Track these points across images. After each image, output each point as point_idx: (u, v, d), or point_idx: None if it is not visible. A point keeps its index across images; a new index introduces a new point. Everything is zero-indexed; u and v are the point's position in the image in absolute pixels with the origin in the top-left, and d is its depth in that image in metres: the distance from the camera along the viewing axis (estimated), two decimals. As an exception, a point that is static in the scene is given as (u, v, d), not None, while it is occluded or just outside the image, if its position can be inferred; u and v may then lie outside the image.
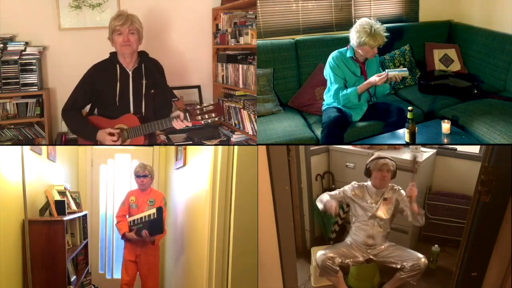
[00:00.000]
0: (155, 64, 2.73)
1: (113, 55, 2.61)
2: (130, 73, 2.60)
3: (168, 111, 2.63)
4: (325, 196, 2.80)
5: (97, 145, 2.62)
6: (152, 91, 2.65)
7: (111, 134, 2.49)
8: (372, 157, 2.78)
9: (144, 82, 2.62)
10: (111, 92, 2.57)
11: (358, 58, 2.90)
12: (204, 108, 2.44)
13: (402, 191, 2.76)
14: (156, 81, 2.67)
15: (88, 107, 2.69)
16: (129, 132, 2.54)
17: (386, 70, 2.92)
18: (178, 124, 2.46)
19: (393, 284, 2.68)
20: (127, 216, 3.33)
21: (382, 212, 2.71)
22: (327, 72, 2.95)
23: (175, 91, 2.96)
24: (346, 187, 2.82)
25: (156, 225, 3.08)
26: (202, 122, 2.50)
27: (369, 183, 2.79)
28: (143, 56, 2.66)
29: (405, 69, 2.98)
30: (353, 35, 2.80)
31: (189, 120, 2.45)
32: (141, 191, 3.35)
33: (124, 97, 2.58)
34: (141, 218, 3.19)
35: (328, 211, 2.69)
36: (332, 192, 2.85)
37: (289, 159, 2.99)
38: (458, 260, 2.26)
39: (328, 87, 3.01)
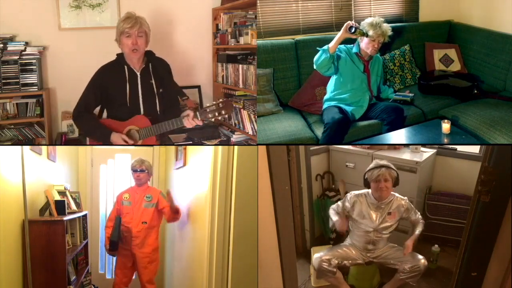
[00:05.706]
0: (161, 63, 2.71)
1: (120, 56, 2.59)
2: (138, 74, 2.58)
3: (176, 110, 2.62)
4: (333, 212, 2.79)
5: (100, 144, 2.62)
6: (161, 90, 2.64)
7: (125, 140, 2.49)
8: (370, 166, 2.68)
9: (152, 81, 2.61)
10: (120, 93, 2.55)
11: (362, 55, 3.01)
12: (214, 106, 2.45)
13: (409, 204, 2.71)
14: (164, 80, 2.66)
15: (97, 109, 2.67)
16: (141, 133, 2.53)
17: (395, 95, 3.17)
18: (189, 123, 2.47)
19: (393, 285, 2.68)
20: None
21: (386, 226, 2.66)
22: None
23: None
24: (345, 201, 2.75)
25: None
26: (213, 120, 2.53)
27: (370, 191, 2.72)
28: (149, 55, 2.65)
29: (412, 94, 3.18)
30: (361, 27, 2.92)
31: (199, 119, 2.45)
32: (137, 186, 3.32)
33: (134, 98, 2.57)
34: None
35: (339, 229, 2.70)
36: (335, 206, 2.81)
37: (289, 159, 3.00)
38: (458, 260, 2.26)
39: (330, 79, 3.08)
